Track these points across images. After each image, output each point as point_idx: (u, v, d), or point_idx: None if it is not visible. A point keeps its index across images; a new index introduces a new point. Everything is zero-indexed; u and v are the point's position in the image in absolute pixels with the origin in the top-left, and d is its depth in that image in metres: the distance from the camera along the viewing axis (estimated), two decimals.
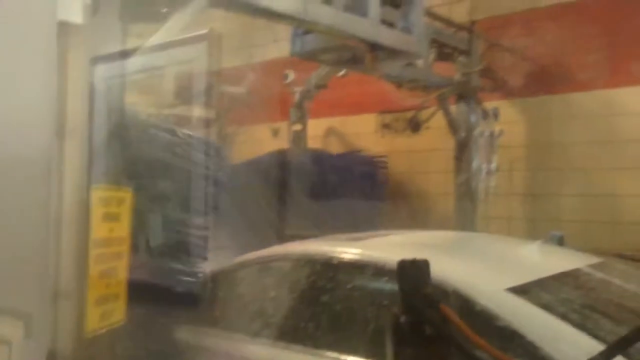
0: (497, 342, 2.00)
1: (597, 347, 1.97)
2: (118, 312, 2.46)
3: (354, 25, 3.42)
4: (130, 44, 2.53)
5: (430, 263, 2.50)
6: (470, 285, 2.36)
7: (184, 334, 3.16)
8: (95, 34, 2.29)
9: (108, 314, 2.38)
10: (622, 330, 2.26)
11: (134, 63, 2.47)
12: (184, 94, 2.77)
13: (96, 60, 2.40)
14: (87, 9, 2.16)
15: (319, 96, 6.37)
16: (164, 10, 2.56)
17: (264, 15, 2.97)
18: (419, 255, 2.78)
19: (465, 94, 5.76)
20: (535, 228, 5.90)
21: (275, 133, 6.76)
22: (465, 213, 5.83)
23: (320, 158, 5.85)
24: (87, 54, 2.26)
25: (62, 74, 2.15)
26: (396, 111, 6.76)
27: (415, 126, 6.59)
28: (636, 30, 5.40)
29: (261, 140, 6.59)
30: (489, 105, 5.81)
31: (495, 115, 5.73)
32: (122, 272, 2.47)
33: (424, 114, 6.39)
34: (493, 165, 5.71)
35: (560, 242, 4.74)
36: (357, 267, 2.79)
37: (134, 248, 2.42)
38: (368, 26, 3.51)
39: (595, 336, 2.12)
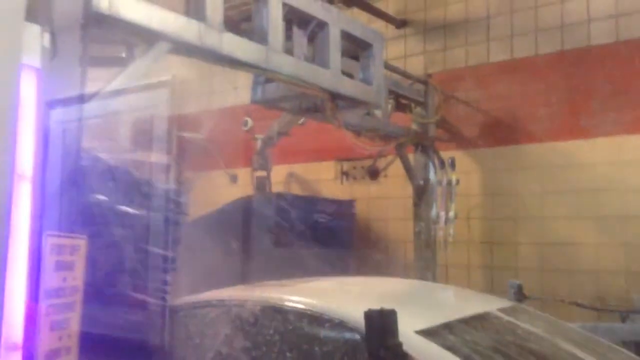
0: None
1: None
2: None
3: (315, 75, 3.47)
4: (91, 88, 2.50)
5: (346, 307, 2.74)
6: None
7: None
8: (53, 78, 2.25)
9: None
10: None
11: (92, 108, 2.44)
12: (142, 140, 2.73)
13: (53, 103, 2.35)
14: (45, 53, 2.13)
15: (279, 143, 6.39)
16: (124, 55, 2.54)
17: (227, 63, 2.98)
18: (337, 299, 2.94)
19: (422, 143, 5.87)
20: (494, 276, 5.97)
21: (234, 179, 6.73)
22: (425, 260, 5.86)
23: (292, 202, 5.82)
24: (43, 98, 2.22)
25: (19, 117, 2.10)
26: (354, 159, 6.83)
27: (373, 174, 6.66)
28: (585, 85, 5.65)
29: (219, 186, 6.54)
30: (446, 154, 5.93)
31: (452, 164, 5.84)
32: (74, 323, 2.36)
33: (382, 162, 6.48)
34: (451, 214, 5.78)
35: (519, 290, 4.80)
36: (275, 312, 2.87)
37: (88, 297, 2.33)
38: (329, 76, 3.56)
39: None
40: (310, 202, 6.17)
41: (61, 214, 2.42)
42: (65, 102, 2.41)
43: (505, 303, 3.47)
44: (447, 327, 2.68)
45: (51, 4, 2.17)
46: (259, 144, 6.18)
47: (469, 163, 6.20)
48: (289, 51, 3.39)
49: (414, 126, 5.89)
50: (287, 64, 3.24)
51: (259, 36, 3.14)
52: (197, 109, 6.72)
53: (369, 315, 2.08)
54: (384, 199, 6.76)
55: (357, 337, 2.57)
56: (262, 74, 3.42)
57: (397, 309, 2.38)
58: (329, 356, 2.59)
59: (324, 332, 2.67)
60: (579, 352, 2.88)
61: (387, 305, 2.77)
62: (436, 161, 5.86)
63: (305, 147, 7.03)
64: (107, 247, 2.65)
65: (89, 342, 2.44)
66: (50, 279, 2.19)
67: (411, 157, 5.99)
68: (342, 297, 3.09)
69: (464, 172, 5.98)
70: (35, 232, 2.17)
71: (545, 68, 5.87)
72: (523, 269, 5.77)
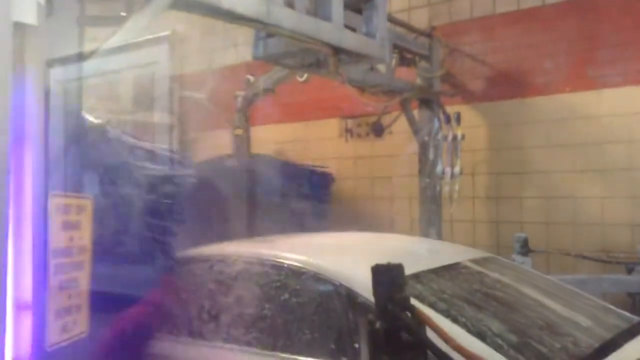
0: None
1: (457, 331, 2.39)
2: (81, 324, 2.37)
3: (317, 28, 3.39)
4: (89, 47, 2.46)
5: (321, 261, 2.89)
6: (353, 280, 2.68)
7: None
8: (50, 36, 2.21)
9: (70, 325, 2.29)
10: (483, 317, 2.63)
11: (92, 66, 2.40)
12: (143, 99, 2.70)
13: (52, 62, 2.32)
14: (41, 10, 2.08)
15: (282, 101, 6.33)
16: (123, 13, 2.49)
17: (227, 18, 2.92)
18: (309, 252, 3.06)
19: (427, 98, 5.80)
20: (499, 230, 5.98)
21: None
22: (430, 216, 5.87)
23: (261, 164, 5.76)
24: (42, 56, 2.18)
25: (18, 76, 2.06)
26: (359, 116, 6.77)
27: (378, 131, 6.61)
28: (592, 35, 5.54)
29: (225, 146, 6.50)
30: (451, 109, 5.87)
31: (458, 119, 5.78)
32: (83, 282, 2.38)
33: (387, 119, 6.43)
34: (457, 169, 5.75)
35: (525, 243, 4.81)
36: (256, 266, 3.06)
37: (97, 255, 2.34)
38: (331, 30, 3.49)
39: (456, 322, 2.48)
40: (286, 165, 6.07)
41: (66, 174, 2.42)
42: (65, 60, 2.37)
43: (479, 254, 3.63)
44: (416, 277, 2.81)
45: None
46: (239, 101, 6.07)
47: (475, 117, 6.14)
48: (290, 4, 3.31)
49: (418, 81, 5.82)
50: (288, 18, 3.17)
51: None
52: (199, 67, 6.65)
53: (377, 270, 2.08)
54: (389, 156, 6.73)
55: (331, 287, 2.71)
56: (263, 29, 3.35)
57: (370, 262, 2.48)
58: (306, 306, 2.77)
59: (300, 284, 2.84)
60: (543, 299, 3.01)
61: (360, 258, 3.02)
62: (441, 116, 5.80)
63: (309, 105, 6.97)
64: (112, 206, 2.66)
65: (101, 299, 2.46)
66: (57, 239, 2.20)
67: (416, 112, 5.93)
68: (318, 252, 3.22)
69: (469, 126, 5.92)
70: (39, 192, 2.16)
71: (552, 18, 5.74)
72: (529, 222, 5.78)
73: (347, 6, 3.76)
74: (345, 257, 3.12)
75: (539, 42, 5.80)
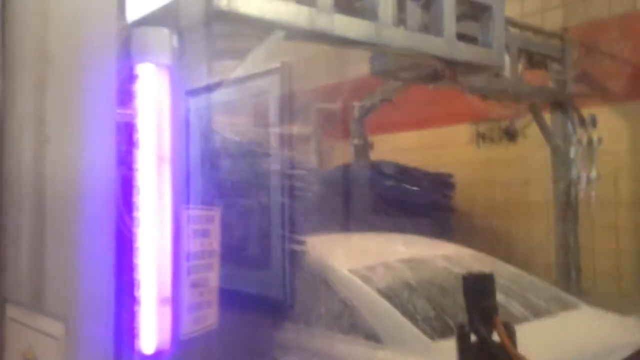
0: (334, 306, 3.20)
1: (398, 317, 3.00)
2: (211, 317, 2.76)
3: (428, 44, 3.53)
4: (216, 78, 2.84)
5: (314, 254, 3.43)
6: (322, 266, 3.38)
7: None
8: (184, 72, 2.61)
9: (201, 318, 2.68)
10: (414, 297, 3.16)
11: (219, 95, 2.78)
12: (261, 121, 3.04)
13: (188, 93, 2.73)
14: (175, 52, 2.48)
15: (408, 109, 6.46)
16: (244, 48, 2.84)
17: (339, 43, 3.17)
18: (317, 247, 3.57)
19: (560, 101, 5.63)
20: None
21: (371, 147, 6.91)
22: (566, 222, 5.69)
23: (382, 172, 5.88)
24: (180, 90, 2.58)
25: (160, 108, 2.48)
26: (491, 120, 6.70)
27: (511, 135, 6.50)
28: None
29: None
30: (586, 112, 5.64)
31: (593, 122, 5.55)
32: (213, 281, 2.77)
33: (520, 123, 6.30)
34: (593, 173, 5.52)
35: None
36: None
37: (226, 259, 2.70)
38: (443, 44, 3.59)
39: (390, 299, 3.12)
40: (407, 172, 6.11)
41: (198, 189, 2.82)
42: (196, 92, 2.77)
43: (464, 252, 4.00)
44: (372, 268, 3.39)
45: (177, 8, 2.51)
46: (356, 111, 6.28)
47: (614, 119, 5.83)
48: (402, 22, 3.47)
49: (550, 83, 5.67)
50: (397, 37, 3.34)
51: (369, 12, 3.27)
52: (334, 80, 6.99)
53: (466, 278, 2.22)
54: (524, 161, 6.58)
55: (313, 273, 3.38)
56: (374, 50, 3.56)
57: (347, 254, 3.14)
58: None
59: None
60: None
61: (341, 251, 3.71)
62: (575, 119, 5.60)
63: (437, 111, 7.02)
64: (239, 215, 3.03)
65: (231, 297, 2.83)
66: (190, 245, 2.60)
67: (549, 116, 5.77)
68: (317, 247, 3.66)
69: (608, 129, 5.64)
70: (176, 205, 2.57)
71: None
72: None
73: (463, 15, 3.83)
74: (329, 249, 3.66)
75: None
